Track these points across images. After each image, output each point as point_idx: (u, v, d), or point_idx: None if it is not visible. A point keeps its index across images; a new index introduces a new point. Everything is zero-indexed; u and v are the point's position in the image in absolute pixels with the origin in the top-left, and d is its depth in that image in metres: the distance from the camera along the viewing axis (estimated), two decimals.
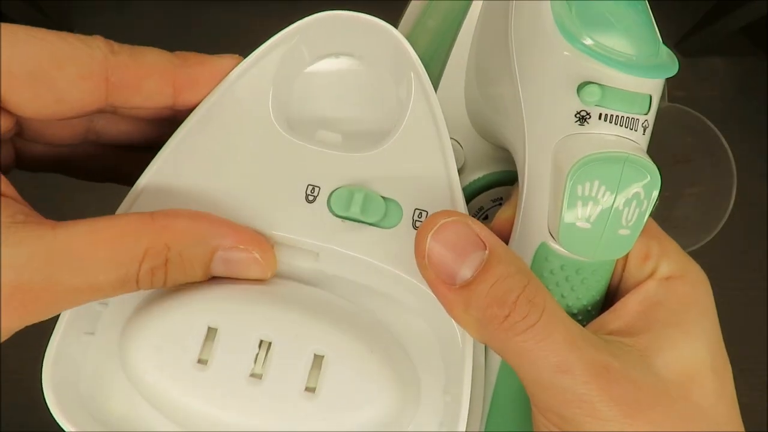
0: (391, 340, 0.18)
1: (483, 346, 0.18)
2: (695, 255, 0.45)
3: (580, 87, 0.15)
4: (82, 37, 0.16)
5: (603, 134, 0.15)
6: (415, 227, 0.17)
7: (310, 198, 0.17)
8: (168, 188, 0.17)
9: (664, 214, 0.49)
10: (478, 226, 0.15)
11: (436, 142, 0.18)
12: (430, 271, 0.15)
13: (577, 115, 0.15)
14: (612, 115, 0.15)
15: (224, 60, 0.18)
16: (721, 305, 0.52)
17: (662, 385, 0.15)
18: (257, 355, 0.16)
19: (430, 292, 0.16)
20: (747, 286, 0.50)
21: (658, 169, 0.15)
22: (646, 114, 0.15)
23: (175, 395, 0.16)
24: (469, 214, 0.18)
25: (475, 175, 0.20)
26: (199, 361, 0.16)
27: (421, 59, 0.18)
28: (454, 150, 0.18)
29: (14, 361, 0.48)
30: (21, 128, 0.18)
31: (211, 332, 0.16)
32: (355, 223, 0.17)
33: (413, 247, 0.15)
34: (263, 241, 0.17)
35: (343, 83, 0.19)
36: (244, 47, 0.53)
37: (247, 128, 0.18)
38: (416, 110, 0.18)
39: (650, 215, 0.16)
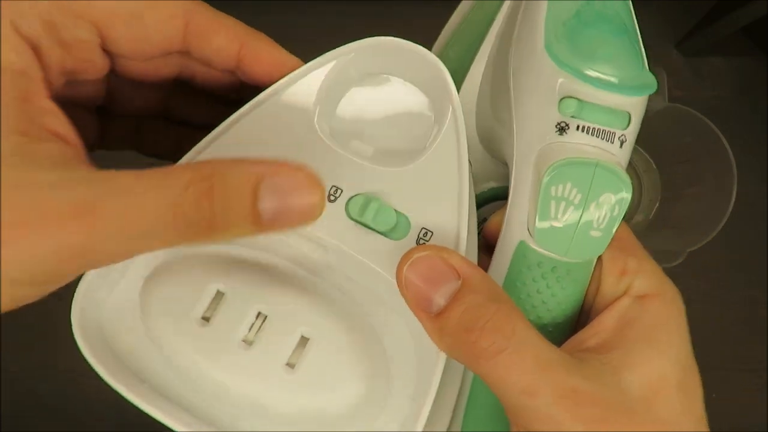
0: (374, 339, 0.19)
1: None
2: (695, 255, 0.45)
3: (560, 101, 0.17)
4: None
5: (580, 144, 0.17)
6: (418, 243, 0.18)
7: (332, 198, 0.19)
8: None
9: (664, 214, 0.49)
10: (456, 258, 0.16)
11: (455, 176, 0.19)
12: (410, 299, 0.16)
13: (557, 126, 0.17)
14: (589, 127, 0.16)
15: (289, 56, 0.19)
16: (720, 305, 0.53)
17: (628, 401, 0.15)
18: (253, 324, 0.18)
19: None
20: (747, 286, 0.50)
21: (633, 178, 0.16)
22: (624, 129, 0.17)
23: (176, 341, 0.18)
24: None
25: (481, 188, 0.21)
26: (203, 317, 0.19)
27: None
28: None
29: (14, 363, 0.48)
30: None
31: (219, 295, 0.19)
32: (366, 229, 0.19)
33: None
34: (306, 166, 0.16)
35: (384, 102, 0.20)
36: None
37: (291, 127, 0.19)
38: (445, 141, 0.19)
39: (624, 223, 0.18)
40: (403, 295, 0.17)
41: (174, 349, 0.18)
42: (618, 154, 0.17)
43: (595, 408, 0.15)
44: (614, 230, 0.17)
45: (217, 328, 0.18)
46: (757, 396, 0.49)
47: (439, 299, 0.16)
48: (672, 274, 0.56)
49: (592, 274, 0.18)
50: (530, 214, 0.17)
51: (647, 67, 0.17)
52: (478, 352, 0.15)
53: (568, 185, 0.16)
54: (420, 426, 0.18)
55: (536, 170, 0.17)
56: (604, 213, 0.16)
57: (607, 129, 0.17)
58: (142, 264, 0.20)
